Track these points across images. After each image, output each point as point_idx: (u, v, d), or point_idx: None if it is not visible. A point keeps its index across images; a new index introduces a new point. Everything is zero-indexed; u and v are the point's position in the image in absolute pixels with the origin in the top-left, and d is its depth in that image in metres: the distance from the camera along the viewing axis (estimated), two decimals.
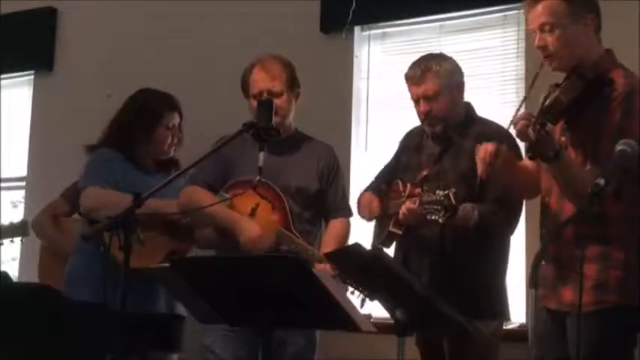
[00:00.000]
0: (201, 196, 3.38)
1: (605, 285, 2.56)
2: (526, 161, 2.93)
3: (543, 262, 2.75)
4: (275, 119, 3.27)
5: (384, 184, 3.45)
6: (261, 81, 3.44)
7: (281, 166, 3.42)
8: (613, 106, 2.59)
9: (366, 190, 3.53)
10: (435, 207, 2.97)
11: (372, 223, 3.49)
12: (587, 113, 2.63)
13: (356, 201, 3.54)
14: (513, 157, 2.94)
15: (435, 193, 3.00)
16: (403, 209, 3.16)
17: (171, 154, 3.72)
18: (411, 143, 3.48)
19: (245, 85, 3.52)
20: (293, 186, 3.43)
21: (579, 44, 2.71)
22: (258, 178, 2.98)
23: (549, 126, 2.53)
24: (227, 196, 3.34)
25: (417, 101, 3.33)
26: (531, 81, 2.75)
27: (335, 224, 3.51)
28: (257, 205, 3.34)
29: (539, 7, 2.74)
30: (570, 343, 2.61)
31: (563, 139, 2.72)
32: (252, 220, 3.31)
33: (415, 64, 3.35)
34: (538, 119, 2.52)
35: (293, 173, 3.45)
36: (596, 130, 2.61)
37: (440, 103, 3.28)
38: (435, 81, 3.27)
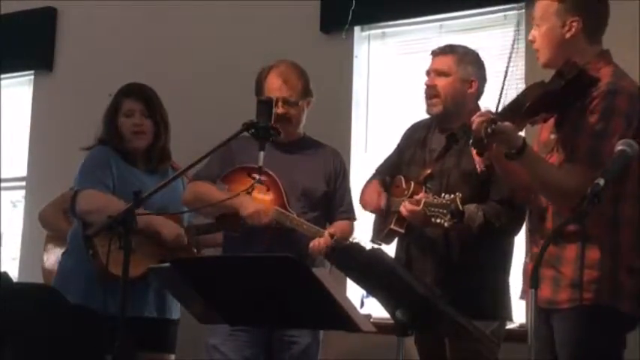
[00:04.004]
0: (205, 189, 3.46)
1: (579, 284, 2.57)
2: None
3: (527, 260, 2.83)
4: (288, 129, 3.33)
5: (388, 177, 3.44)
6: (278, 90, 3.47)
7: (290, 166, 3.48)
8: (593, 105, 2.60)
9: (371, 179, 3.52)
10: (441, 211, 2.97)
11: (370, 223, 3.50)
12: (572, 112, 2.64)
13: (360, 190, 3.52)
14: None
15: (440, 196, 3.00)
16: (407, 208, 3.13)
17: (142, 144, 3.65)
18: (415, 137, 3.48)
19: (260, 89, 3.55)
20: (300, 186, 3.48)
21: (561, 44, 2.73)
22: (258, 177, 3.00)
23: (501, 124, 2.53)
24: (224, 185, 3.46)
25: (428, 74, 3.39)
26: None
27: (339, 222, 3.55)
28: (251, 187, 3.37)
29: (538, 3, 2.83)
30: (557, 342, 2.63)
31: (552, 136, 2.74)
32: (250, 198, 3.36)
33: (446, 44, 3.44)
34: (494, 116, 2.57)
35: (301, 173, 3.50)
36: (577, 130, 2.62)
37: (446, 82, 3.31)
38: (452, 62, 3.33)
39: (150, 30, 5.21)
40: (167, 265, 2.98)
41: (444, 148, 3.31)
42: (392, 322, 2.58)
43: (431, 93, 3.34)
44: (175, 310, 3.63)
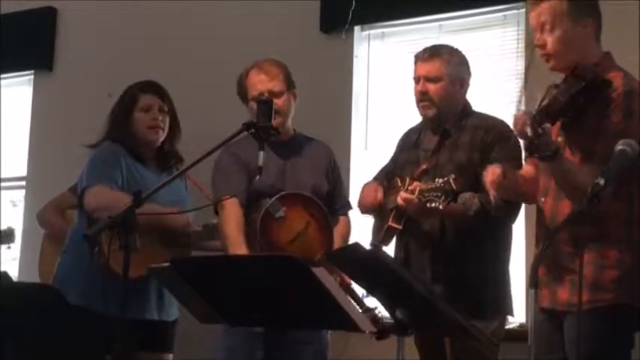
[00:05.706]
0: (233, 236, 3.36)
1: (600, 284, 2.57)
2: (524, 169, 2.97)
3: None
4: (277, 120, 3.31)
5: (385, 182, 3.46)
6: (260, 83, 3.45)
7: (293, 167, 3.47)
8: (613, 107, 2.60)
9: (370, 181, 3.54)
10: (435, 194, 2.98)
11: (370, 223, 3.50)
12: (586, 114, 2.64)
13: (359, 194, 3.52)
14: (515, 172, 2.94)
15: (433, 182, 3.02)
16: (402, 197, 3.14)
17: (158, 139, 3.63)
18: (409, 141, 3.50)
19: (242, 90, 3.51)
20: (308, 185, 3.47)
21: (577, 46, 2.73)
22: (257, 177, 2.99)
23: (547, 125, 2.53)
24: (281, 213, 3.33)
25: (417, 80, 3.37)
26: (524, 78, 2.79)
27: (339, 225, 3.54)
28: (308, 223, 3.36)
29: (543, 6, 2.78)
30: (567, 343, 2.62)
31: (559, 139, 2.73)
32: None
33: (428, 47, 3.41)
34: (536, 117, 2.54)
35: (305, 173, 3.49)
36: (595, 131, 2.62)
37: (438, 87, 3.31)
38: (441, 66, 3.32)
39: (150, 30, 5.21)
40: (167, 264, 2.98)
41: (438, 144, 3.33)
42: (392, 321, 2.58)
43: (423, 99, 3.34)
44: (174, 310, 3.63)
